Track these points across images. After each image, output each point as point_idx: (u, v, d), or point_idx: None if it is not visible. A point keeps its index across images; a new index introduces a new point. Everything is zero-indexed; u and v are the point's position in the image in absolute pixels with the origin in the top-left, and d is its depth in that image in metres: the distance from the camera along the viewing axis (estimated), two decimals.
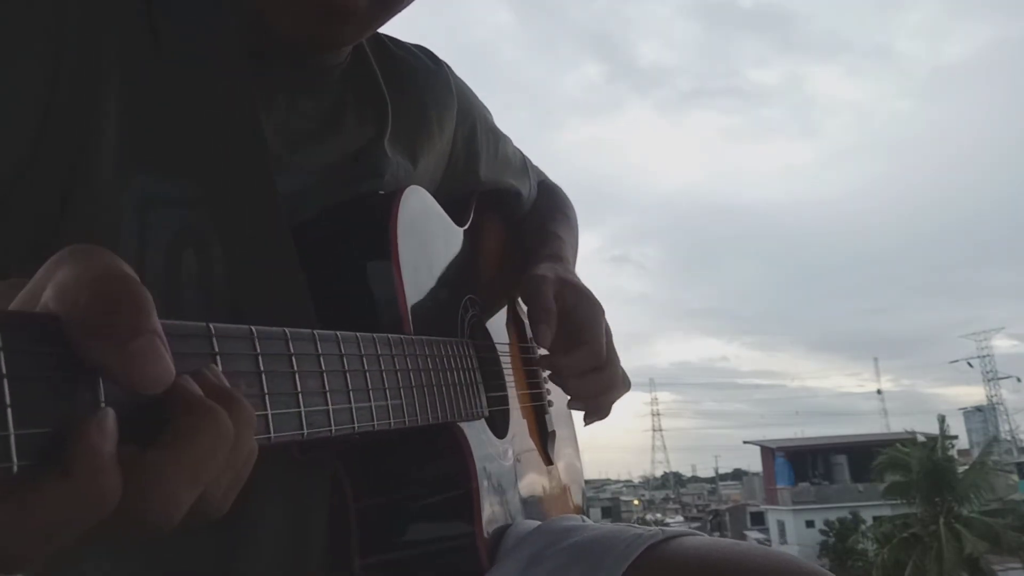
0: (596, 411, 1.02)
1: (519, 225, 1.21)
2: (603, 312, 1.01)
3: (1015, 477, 32.24)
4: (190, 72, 0.73)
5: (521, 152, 1.22)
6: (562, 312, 0.97)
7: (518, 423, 0.99)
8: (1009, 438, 49.27)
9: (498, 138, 1.15)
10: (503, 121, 1.17)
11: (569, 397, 1.00)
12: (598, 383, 0.99)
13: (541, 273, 0.99)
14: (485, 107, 1.14)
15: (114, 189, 0.69)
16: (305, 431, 0.50)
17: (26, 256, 0.65)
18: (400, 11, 0.83)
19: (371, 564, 0.76)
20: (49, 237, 0.67)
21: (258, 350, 0.47)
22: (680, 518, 51.30)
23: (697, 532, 0.78)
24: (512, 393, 0.99)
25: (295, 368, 0.51)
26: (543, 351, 1.02)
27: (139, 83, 0.71)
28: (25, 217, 0.67)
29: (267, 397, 0.47)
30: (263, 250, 0.72)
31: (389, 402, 0.64)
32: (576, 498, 1.15)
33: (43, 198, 0.67)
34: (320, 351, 0.55)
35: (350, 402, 0.57)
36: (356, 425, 0.57)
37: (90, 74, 0.68)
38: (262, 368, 0.47)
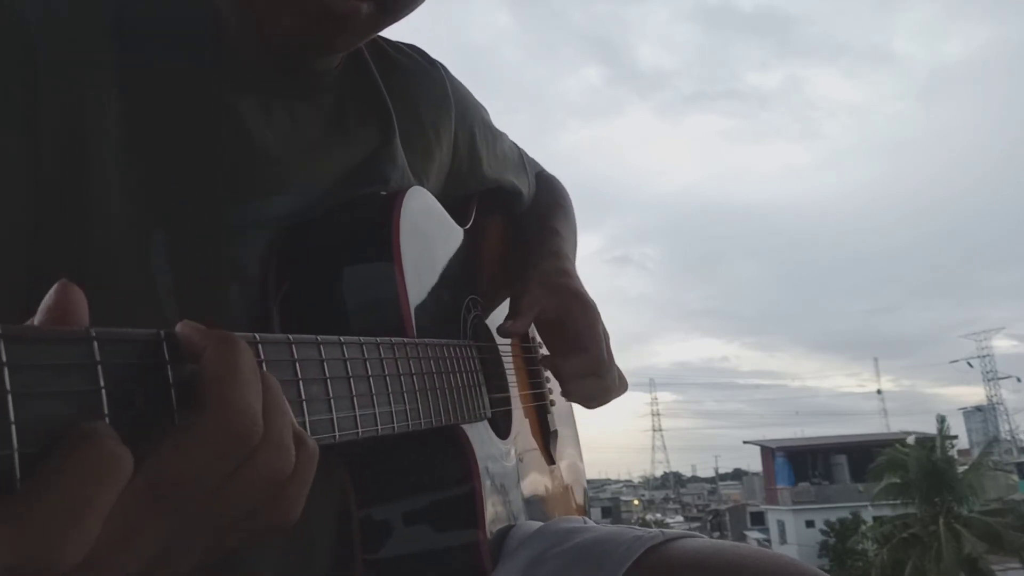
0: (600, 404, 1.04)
1: (519, 222, 1.21)
2: (599, 316, 1.02)
3: (1015, 477, 32.24)
4: (170, 103, 0.72)
5: (517, 146, 1.22)
6: (558, 320, 0.98)
7: (520, 423, 0.99)
8: (1009, 438, 49.31)
9: (496, 136, 1.15)
10: (503, 124, 1.17)
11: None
12: (596, 387, 1.01)
13: (524, 284, 1.00)
14: (482, 105, 1.13)
15: (135, 251, 0.68)
16: None
17: None
18: (399, 20, 0.81)
19: (374, 566, 0.76)
20: None
21: (262, 356, 0.47)
22: (680, 518, 51.32)
23: (696, 534, 0.78)
24: (514, 393, 0.99)
25: (299, 376, 0.51)
26: (544, 351, 1.03)
27: (133, 131, 0.69)
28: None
29: None
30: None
31: (393, 407, 0.64)
32: (578, 497, 1.16)
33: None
34: (324, 356, 0.55)
35: (354, 409, 0.57)
36: (360, 430, 0.57)
37: (77, 135, 0.66)
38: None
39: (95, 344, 0.36)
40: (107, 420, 0.36)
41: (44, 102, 0.64)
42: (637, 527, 0.80)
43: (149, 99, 0.71)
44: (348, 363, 0.58)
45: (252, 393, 0.41)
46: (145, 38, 0.72)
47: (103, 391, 0.36)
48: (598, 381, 1.00)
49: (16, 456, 0.32)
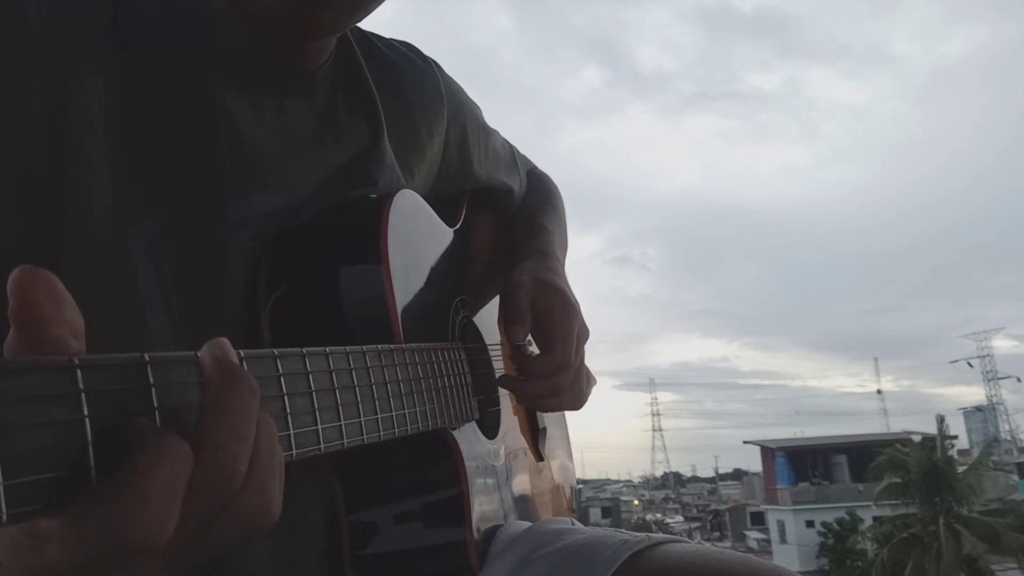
0: (561, 407, 1.02)
1: (509, 220, 1.20)
2: (577, 313, 1.01)
3: (1015, 477, 32.21)
4: (160, 97, 0.72)
5: (509, 144, 1.22)
6: (537, 314, 0.97)
7: (509, 421, 1.00)
8: (1009, 438, 49.23)
9: (488, 135, 1.14)
10: (504, 125, 1.17)
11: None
12: (560, 385, 0.98)
13: (517, 278, 0.99)
14: (475, 104, 1.13)
15: (117, 242, 0.67)
16: (294, 451, 0.51)
17: None
18: (384, 1, 0.79)
19: (363, 568, 0.77)
20: None
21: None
22: (680, 518, 51.26)
23: (682, 538, 0.79)
24: (503, 391, 0.99)
25: (284, 391, 0.51)
26: (533, 348, 1.03)
27: (121, 122, 0.68)
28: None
29: None
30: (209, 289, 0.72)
31: (379, 415, 0.64)
32: (567, 493, 1.16)
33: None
34: (309, 368, 0.55)
35: (340, 419, 0.57)
36: (345, 440, 0.58)
37: (63, 122, 0.65)
38: None
39: (79, 372, 0.36)
40: (90, 448, 0.36)
41: (33, 87, 0.64)
42: (624, 531, 0.80)
43: (139, 91, 0.70)
44: (334, 374, 0.58)
45: (241, 443, 0.42)
46: (139, 29, 0.72)
47: (87, 419, 0.36)
48: (563, 378, 0.97)
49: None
